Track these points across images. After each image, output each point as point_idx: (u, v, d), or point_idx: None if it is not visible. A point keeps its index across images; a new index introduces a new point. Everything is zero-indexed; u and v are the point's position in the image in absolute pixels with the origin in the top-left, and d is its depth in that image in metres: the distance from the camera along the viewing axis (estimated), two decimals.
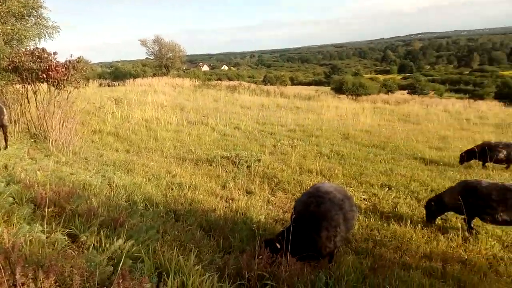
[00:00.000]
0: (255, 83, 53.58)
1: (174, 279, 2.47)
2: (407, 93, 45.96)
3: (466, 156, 9.81)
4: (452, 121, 19.16)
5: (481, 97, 41.71)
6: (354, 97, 34.05)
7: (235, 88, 34.10)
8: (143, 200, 5.90)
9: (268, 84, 52.99)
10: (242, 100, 25.48)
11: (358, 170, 9.03)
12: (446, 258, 4.84)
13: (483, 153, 9.50)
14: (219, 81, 45.27)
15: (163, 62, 46.25)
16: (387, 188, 7.76)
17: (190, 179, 7.82)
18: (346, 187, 7.83)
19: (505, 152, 9.32)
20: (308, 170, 8.96)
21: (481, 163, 9.82)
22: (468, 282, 4.20)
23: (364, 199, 7.18)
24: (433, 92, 48.56)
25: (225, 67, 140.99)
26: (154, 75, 42.05)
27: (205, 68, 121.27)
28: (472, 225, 5.77)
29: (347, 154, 10.71)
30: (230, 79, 67.65)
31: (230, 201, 6.70)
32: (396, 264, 4.44)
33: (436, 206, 5.94)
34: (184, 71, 54.61)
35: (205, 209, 6.00)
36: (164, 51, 45.94)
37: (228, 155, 9.62)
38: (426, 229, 5.79)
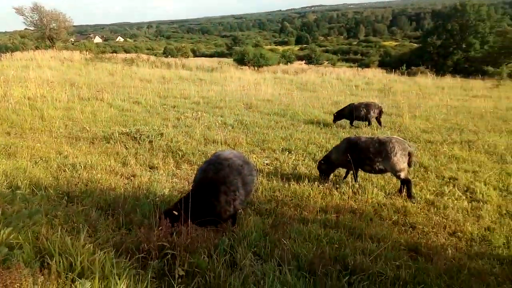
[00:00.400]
0: (155, 55, 51.15)
1: (60, 262, 2.26)
2: (304, 63, 48.46)
3: (337, 116, 11.18)
4: (344, 88, 20.78)
5: (367, 66, 45.99)
6: (256, 68, 34.71)
7: (133, 60, 31.99)
8: (29, 184, 5.28)
9: (169, 56, 51.07)
10: (141, 73, 24.11)
11: (261, 138, 9.32)
12: (339, 209, 5.33)
13: (350, 112, 10.98)
14: (115, 54, 42.02)
15: (46, 33, 40.90)
16: (287, 152, 8.17)
17: (86, 158, 7.22)
18: (250, 154, 8.05)
19: (365, 110, 10.79)
20: (213, 140, 8.96)
21: (366, 123, 10.94)
22: (357, 228, 4.69)
23: (267, 164, 7.46)
24: (327, 62, 52.02)
25: (120, 39, 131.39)
26: (37, 48, 37.17)
27: (98, 39, 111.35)
28: (358, 177, 6.47)
29: (250, 123, 10.95)
30: (127, 51, 63.45)
31: (132, 177, 6.39)
32: (295, 220, 4.75)
33: (326, 165, 6.51)
34: (72, 43, 49.40)
35: (103, 189, 5.62)
36: (46, 20, 40.51)
37: (128, 131, 9.09)
38: (322, 186, 6.27)
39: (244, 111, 13.01)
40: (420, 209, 5.52)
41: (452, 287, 3.53)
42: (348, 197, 5.87)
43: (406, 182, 5.89)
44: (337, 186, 6.32)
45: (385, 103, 14.99)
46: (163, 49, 71.03)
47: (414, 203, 5.67)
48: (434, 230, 4.85)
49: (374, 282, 3.46)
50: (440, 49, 44.08)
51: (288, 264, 3.28)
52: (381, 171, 6.04)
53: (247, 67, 34.93)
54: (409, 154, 5.85)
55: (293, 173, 6.93)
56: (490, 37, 42.28)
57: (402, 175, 5.86)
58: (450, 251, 4.23)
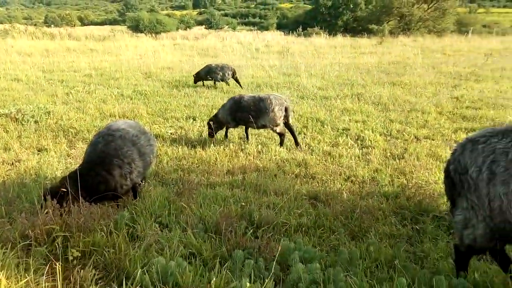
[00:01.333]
0: (35, 25, 45.34)
1: None
2: (204, 28, 47.33)
3: (196, 77, 11.66)
4: (245, 52, 20.89)
5: (266, 28, 46.69)
6: (153, 35, 32.83)
7: (7, 32, 27.87)
8: None
9: (52, 25, 45.60)
10: (19, 46, 21.19)
11: (163, 107, 8.99)
12: (245, 170, 5.45)
13: (206, 73, 11.48)
14: None
15: None
16: (192, 120, 8.03)
17: None
18: (152, 124, 7.72)
19: (220, 73, 11.36)
20: (110, 114, 8.36)
21: (268, 84, 11.27)
22: (262, 185, 4.86)
23: (171, 133, 7.24)
24: (227, 26, 51.44)
25: None
26: None
27: None
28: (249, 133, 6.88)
29: (150, 93, 10.47)
30: None
31: (16, 163, 5.67)
32: (202, 185, 4.73)
33: (215, 123, 6.69)
34: None
35: None
36: None
37: (7, 112, 7.99)
38: (229, 149, 6.33)
39: (143, 80, 12.37)
40: (319, 160, 5.90)
41: (347, 225, 3.89)
42: (253, 157, 6.02)
43: (281, 135, 6.45)
44: (243, 147, 6.44)
45: (284, 64, 15.52)
46: (43, 17, 63.07)
47: (282, 148, 6.34)
48: (331, 178, 5.24)
49: (279, 232, 3.65)
50: (331, 9, 46.48)
51: (194, 228, 3.27)
52: (263, 127, 6.41)
53: (144, 34, 32.87)
54: (286, 109, 6.28)
55: (199, 140, 6.85)
56: None
57: (278, 129, 6.35)
58: (345, 195, 4.64)
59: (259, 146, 6.50)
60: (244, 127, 6.85)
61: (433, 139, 6.66)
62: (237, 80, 11.67)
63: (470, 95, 9.76)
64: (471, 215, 2.59)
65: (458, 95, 9.72)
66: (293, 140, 6.56)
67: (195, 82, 11.74)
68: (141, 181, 4.11)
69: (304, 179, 5.25)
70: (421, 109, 8.49)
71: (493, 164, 2.43)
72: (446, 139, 6.63)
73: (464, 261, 2.80)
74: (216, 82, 11.81)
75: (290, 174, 5.39)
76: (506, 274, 2.58)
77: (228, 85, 11.79)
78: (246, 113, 6.29)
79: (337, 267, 2.56)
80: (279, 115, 6.21)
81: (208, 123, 6.78)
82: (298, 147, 6.39)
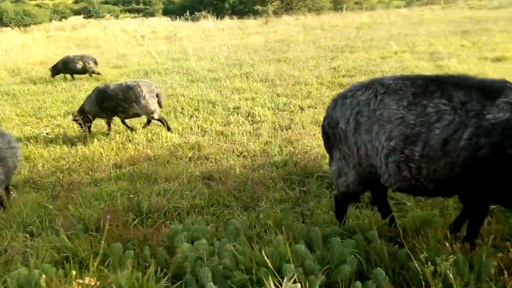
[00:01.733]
0: None
1: None
2: (82, 17, 43.35)
3: (54, 70, 10.70)
4: (129, 39, 19.72)
5: (152, 15, 44.56)
6: (21, 28, 28.99)
7: None
8: None
9: None
10: None
11: (36, 105, 8.07)
12: (135, 161, 5.17)
13: (64, 65, 10.63)
14: None
15: None
16: (71, 116, 7.31)
17: None
18: (24, 126, 6.88)
19: (81, 63, 10.63)
20: None
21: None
22: (153, 173, 4.66)
23: (47, 133, 6.49)
24: (109, 14, 47.87)
25: None
26: None
27: None
28: (111, 124, 6.49)
29: (19, 92, 9.28)
30: None
31: None
32: (85, 184, 4.36)
33: (82, 116, 6.18)
34: None
35: None
36: None
37: None
38: (115, 142, 5.94)
39: (9, 79, 10.88)
40: (212, 141, 5.88)
41: (240, 198, 3.96)
42: (143, 147, 5.75)
43: (162, 121, 6.30)
44: (131, 138, 6.10)
45: (172, 49, 15.07)
46: None
47: (171, 132, 6.20)
48: (224, 156, 5.27)
49: (171, 217, 3.55)
50: None
51: (71, 230, 2.98)
52: (136, 115, 6.23)
53: (9, 28, 28.85)
54: (157, 95, 6.17)
55: (80, 136, 6.28)
56: None
57: (156, 116, 6.19)
58: (238, 170, 4.71)
59: (149, 134, 6.23)
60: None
61: (315, 108, 7.12)
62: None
63: (346, 65, 10.64)
64: (343, 164, 2.81)
65: (336, 65, 10.53)
66: (186, 123, 6.50)
67: (53, 76, 10.68)
68: (5, 190, 3.59)
69: (198, 161, 5.19)
70: (304, 81, 8.99)
71: (358, 115, 2.61)
72: (327, 106, 7.14)
73: (342, 209, 3.04)
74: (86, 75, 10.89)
75: (183, 159, 5.28)
76: (384, 219, 2.86)
77: (99, 74, 10.93)
78: (114, 102, 5.96)
79: (223, 239, 2.57)
80: (152, 101, 6.02)
81: (74, 118, 6.23)
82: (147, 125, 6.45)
